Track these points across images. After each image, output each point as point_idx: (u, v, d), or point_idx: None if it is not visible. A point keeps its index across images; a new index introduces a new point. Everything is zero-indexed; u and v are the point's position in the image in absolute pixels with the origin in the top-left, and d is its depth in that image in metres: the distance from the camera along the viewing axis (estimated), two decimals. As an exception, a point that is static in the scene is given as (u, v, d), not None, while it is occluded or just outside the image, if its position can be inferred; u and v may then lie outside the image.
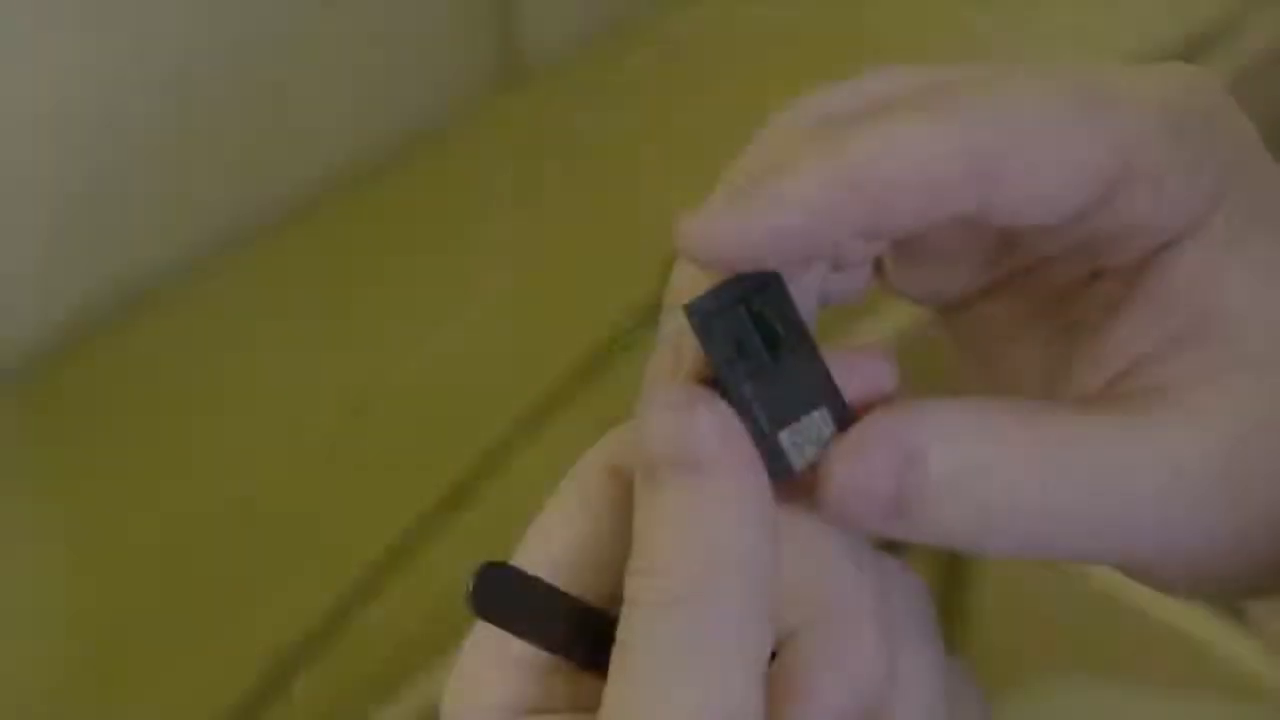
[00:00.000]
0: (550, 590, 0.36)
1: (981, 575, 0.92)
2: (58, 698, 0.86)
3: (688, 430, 0.35)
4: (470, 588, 0.35)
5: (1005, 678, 0.92)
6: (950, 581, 0.94)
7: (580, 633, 0.36)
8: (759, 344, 0.36)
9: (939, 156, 0.34)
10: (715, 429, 0.35)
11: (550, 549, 0.37)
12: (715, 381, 0.36)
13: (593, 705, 0.35)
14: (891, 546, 0.37)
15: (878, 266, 0.40)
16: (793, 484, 0.36)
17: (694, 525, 0.34)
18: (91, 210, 0.99)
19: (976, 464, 0.34)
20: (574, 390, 0.94)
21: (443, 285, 1.02)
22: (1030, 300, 0.39)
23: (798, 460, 0.36)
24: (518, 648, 0.36)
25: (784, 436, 0.36)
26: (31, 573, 0.90)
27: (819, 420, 0.36)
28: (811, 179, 0.34)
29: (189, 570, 0.90)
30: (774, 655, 0.36)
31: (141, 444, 0.95)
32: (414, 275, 1.03)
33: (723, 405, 0.35)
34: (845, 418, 0.36)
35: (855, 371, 0.36)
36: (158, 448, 0.95)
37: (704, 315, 0.36)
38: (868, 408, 0.36)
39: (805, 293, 0.37)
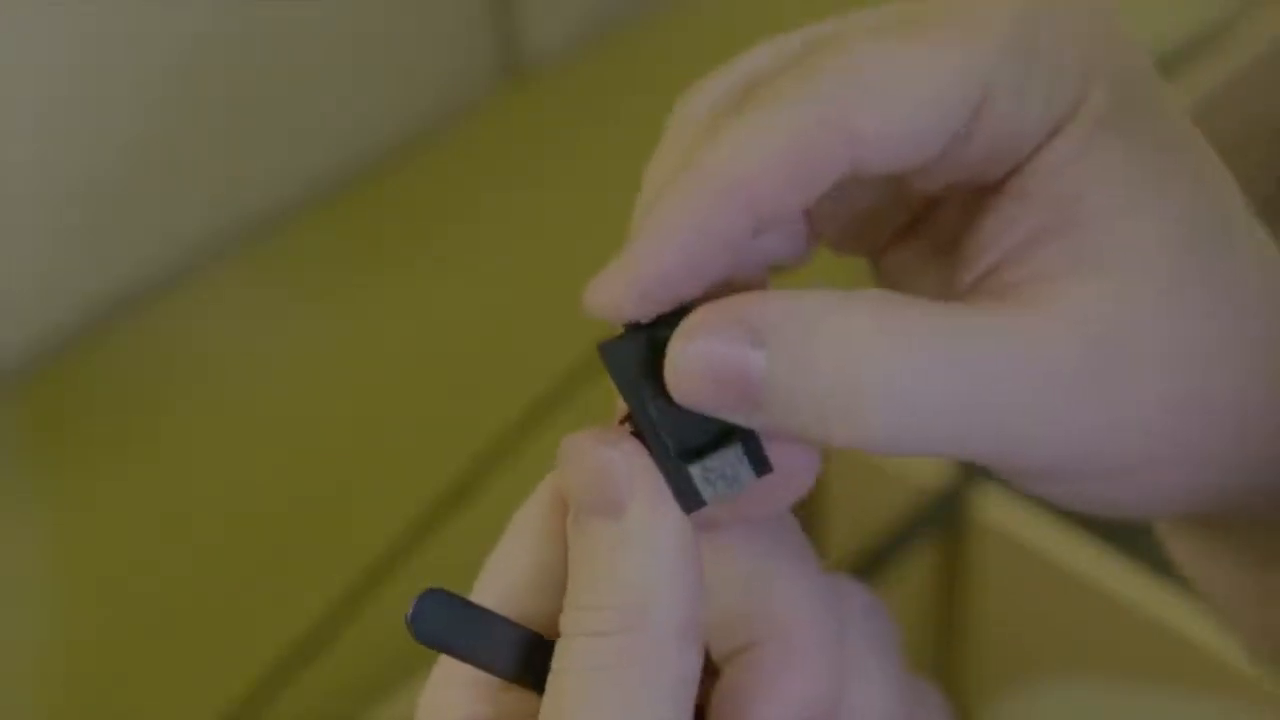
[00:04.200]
0: (490, 616, 0.37)
1: (981, 576, 0.92)
2: (57, 697, 0.86)
3: (597, 474, 0.36)
4: (410, 614, 0.36)
5: (1005, 678, 0.92)
6: (950, 582, 0.94)
7: (522, 657, 0.37)
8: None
9: (794, 136, 0.35)
10: (623, 470, 0.36)
11: (505, 577, 0.38)
12: (630, 420, 0.37)
13: None
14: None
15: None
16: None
17: (613, 564, 0.36)
18: (91, 211, 0.99)
19: (831, 341, 0.34)
20: (575, 390, 0.94)
21: (442, 285, 1.02)
22: (933, 240, 0.40)
23: (709, 492, 0.36)
24: (472, 668, 0.37)
25: (695, 470, 0.36)
26: (31, 572, 0.90)
27: (732, 457, 0.36)
28: (677, 211, 0.35)
29: (189, 570, 0.90)
30: (719, 675, 0.37)
31: (141, 444, 0.95)
32: (413, 275, 1.03)
33: (630, 444, 0.36)
34: (757, 451, 0.36)
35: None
36: (158, 447, 0.95)
37: (615, 354, 0.37)
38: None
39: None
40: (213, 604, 0.89)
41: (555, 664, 0.36)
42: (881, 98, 0.35)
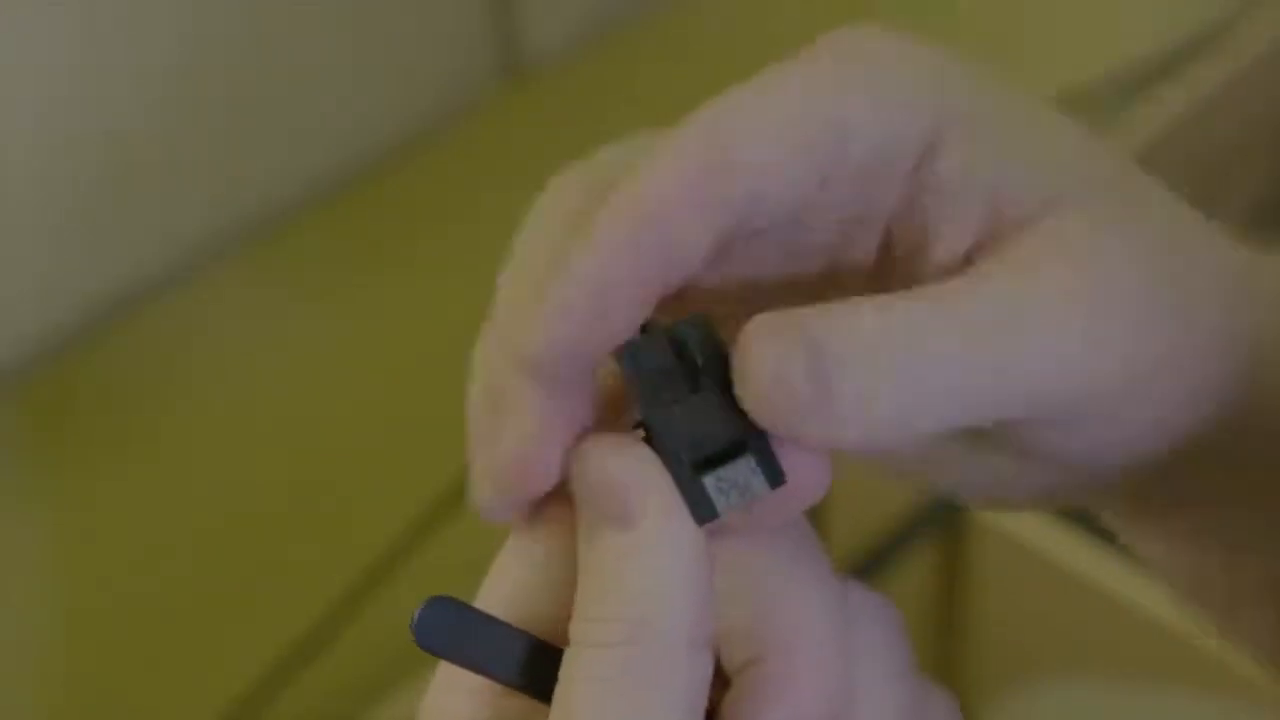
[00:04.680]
0: (494, 624, 0.37)
1: (981, 576, 0.92)
2: (57, 697, 0.86)
3: (609, 483, 0.36)
4: (414, 622, 0.36)
5: (1005, 678, 0.92)
6: (950, 582, 0.94)
7: (526, 665, 0.37)
8: (685, 387, 0.36)
9: (693, 169, 0.36)
10: (635, 479, 0.36)
11: (511, 581, 0.38)
12: (644, 425, 0.37)
13: None
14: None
15: None
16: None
17: (624, 574, 0.36)
18: (91, 211, 0.99)
19: (880, 343, 0.35)
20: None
21: (442, 285, 1.02)
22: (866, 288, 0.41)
23: (722, 503, 0.36)
24: (474, 675, 0.37)
25: (709, 481, 0.36)
26: (31, 573, 0.90)
27: (745, 467, 0.36)
28: (606, 250, 0.36)
29: (189, 570, 0.90)
30: (729, 685, 0.37)
31: (141, 444, 0.95)
32: (413, 275, 1.03)
33: (644, 453, 0.36)
34: (771, 461, 0.36)
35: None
36: (158, 447, 0.95)
37: (632, 357, 0.36)
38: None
39: None
40: (213, 604, 0.89)
41: (563, 673, 0.36)
42: (757, 127, 0.37)
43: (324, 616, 0.87)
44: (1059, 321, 0.36)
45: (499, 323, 0.40)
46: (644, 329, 0.37)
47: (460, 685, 0.37)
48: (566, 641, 0.36)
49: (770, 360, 0.35)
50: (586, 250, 0.36)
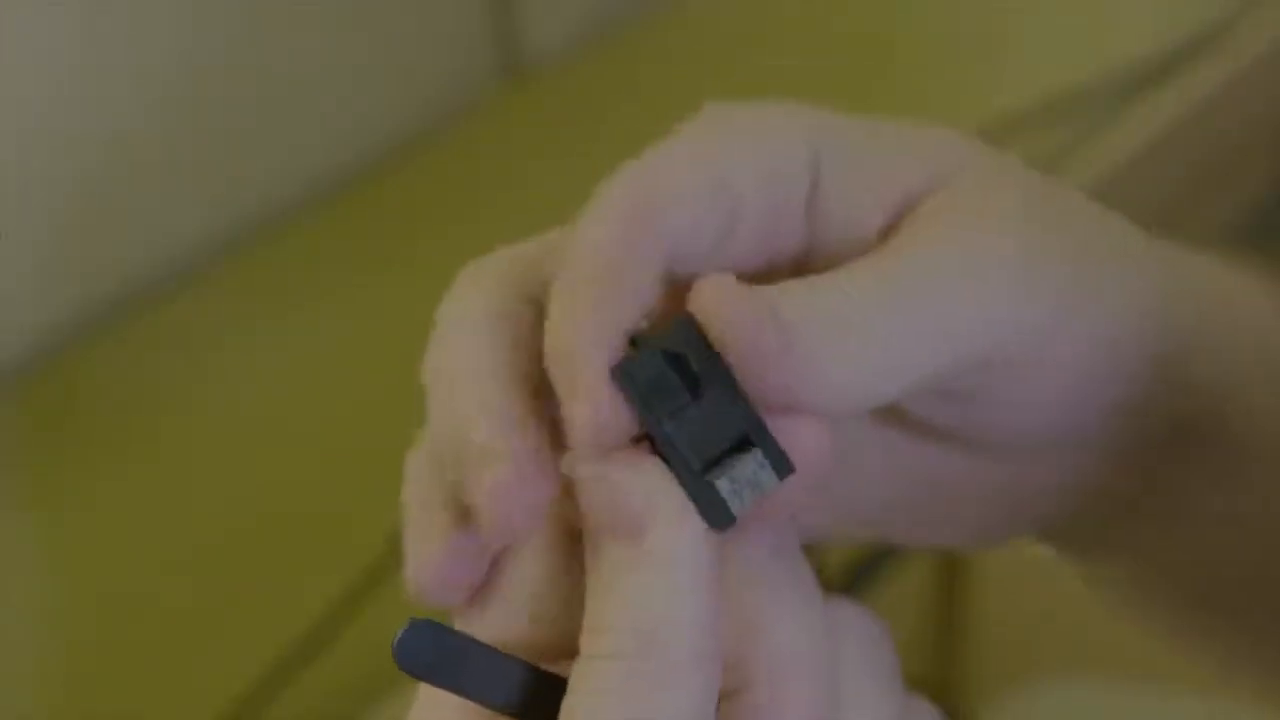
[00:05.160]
0: (477, 647, 0.37)
1: (981, 575, 0.92)
2: (57, 697, 0.86)
3: (616, 496, 0.36)
4: (395, 646, 0.36)
5: (1005, 678, 0.92)
6: (950, 581, 0.94)
7: (512, 689, 0.37)
8: (683, 395, 0.37)
9: (620, 227, 0.40)
10: (642, 492, 0.36)
11: (506, 601, 0.39)
12: (649, 438, 0.37)
13: None
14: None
15: None
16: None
17: (630, 587, 0.36)
18: (91, 211, 0.99)
19: (829, 313, 0.37)
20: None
21: (442, 285, 1.02)
22: None
23: (737, 505, 0.36)
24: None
25: (722, 484, 0.36)
26: (31, 573, 0.90)
27: (753, 463, 0.36)
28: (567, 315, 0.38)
29: (189, 570, 0.90)
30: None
31: (141, 444, 0.95)
32: (413, 275, 1.03)
33: (650, 464, 0.36)
34: (777, 453, 0.36)
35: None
36: (158, 447, 0.95)
37: (629, 374, 0.37)
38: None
39: None
40: (213, 604, 0.88)
41: (572, 684, 0.36)
42: (666, 193, 0.39)
43: (324, 616, 0.87)
44: (948, 289, 0.38)
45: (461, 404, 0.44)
46: (634, 342, 0.37)
47: (447, 701, 0.38)
48: (565, 659, 0.36)
49: (733, 294, 0.37)
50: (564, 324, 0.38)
